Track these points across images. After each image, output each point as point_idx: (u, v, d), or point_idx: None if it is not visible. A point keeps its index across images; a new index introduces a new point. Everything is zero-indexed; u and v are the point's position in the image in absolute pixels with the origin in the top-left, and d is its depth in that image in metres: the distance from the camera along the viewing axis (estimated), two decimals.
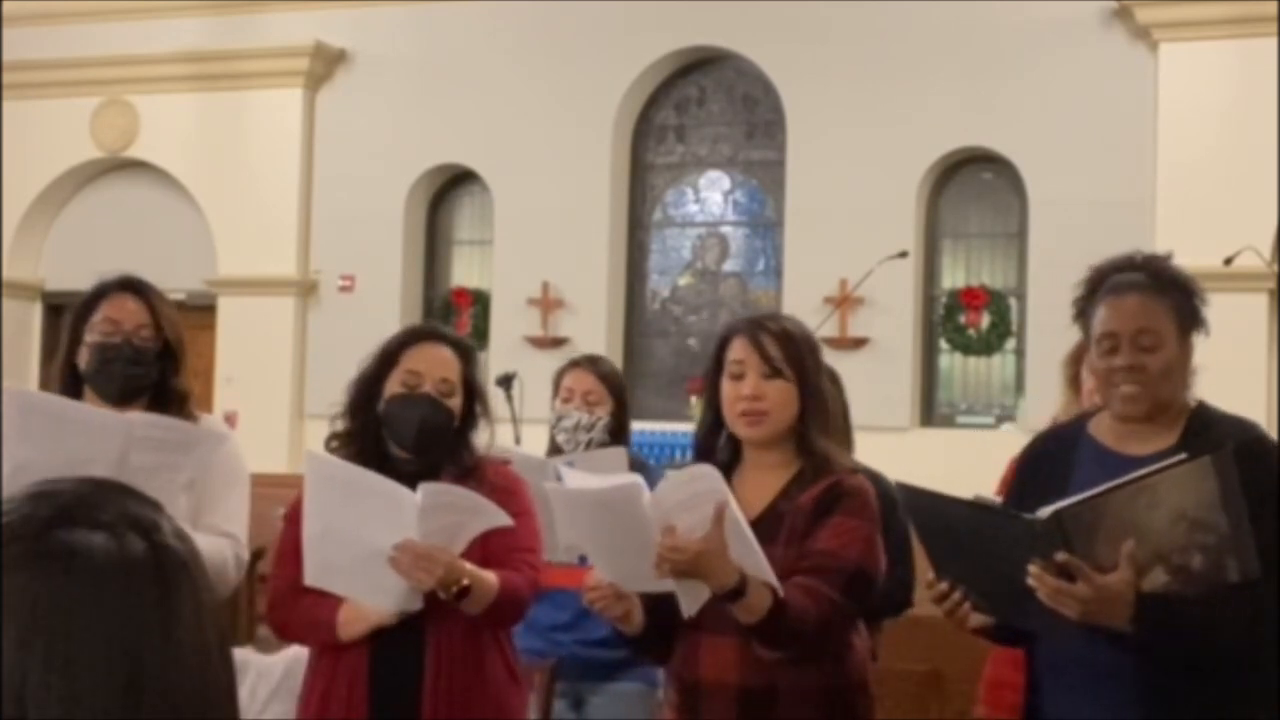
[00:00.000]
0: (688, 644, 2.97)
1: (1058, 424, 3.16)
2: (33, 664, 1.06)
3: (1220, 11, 10.27)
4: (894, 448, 7.81)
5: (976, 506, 2.71)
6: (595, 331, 11.67)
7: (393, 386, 3.23)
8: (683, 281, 12.31)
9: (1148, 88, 10.53)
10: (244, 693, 3.78)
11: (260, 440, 10.03)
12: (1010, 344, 11.27)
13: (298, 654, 3.30)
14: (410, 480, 3.08)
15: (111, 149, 13.10)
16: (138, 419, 3.17)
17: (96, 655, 1.07)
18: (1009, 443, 3.02)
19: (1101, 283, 2.82)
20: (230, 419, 10.68)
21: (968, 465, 5.74)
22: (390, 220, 12.40)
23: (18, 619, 1.07)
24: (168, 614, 1.11)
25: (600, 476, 3.03)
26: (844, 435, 3.89)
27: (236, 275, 12.59)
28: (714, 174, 12.23)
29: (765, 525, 2.89)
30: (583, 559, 2.98)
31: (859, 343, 10.97)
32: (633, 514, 2.79)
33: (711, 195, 12.25)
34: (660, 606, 2.90)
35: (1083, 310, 2.85)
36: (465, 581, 3.04)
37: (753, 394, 2.96)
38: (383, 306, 11.90)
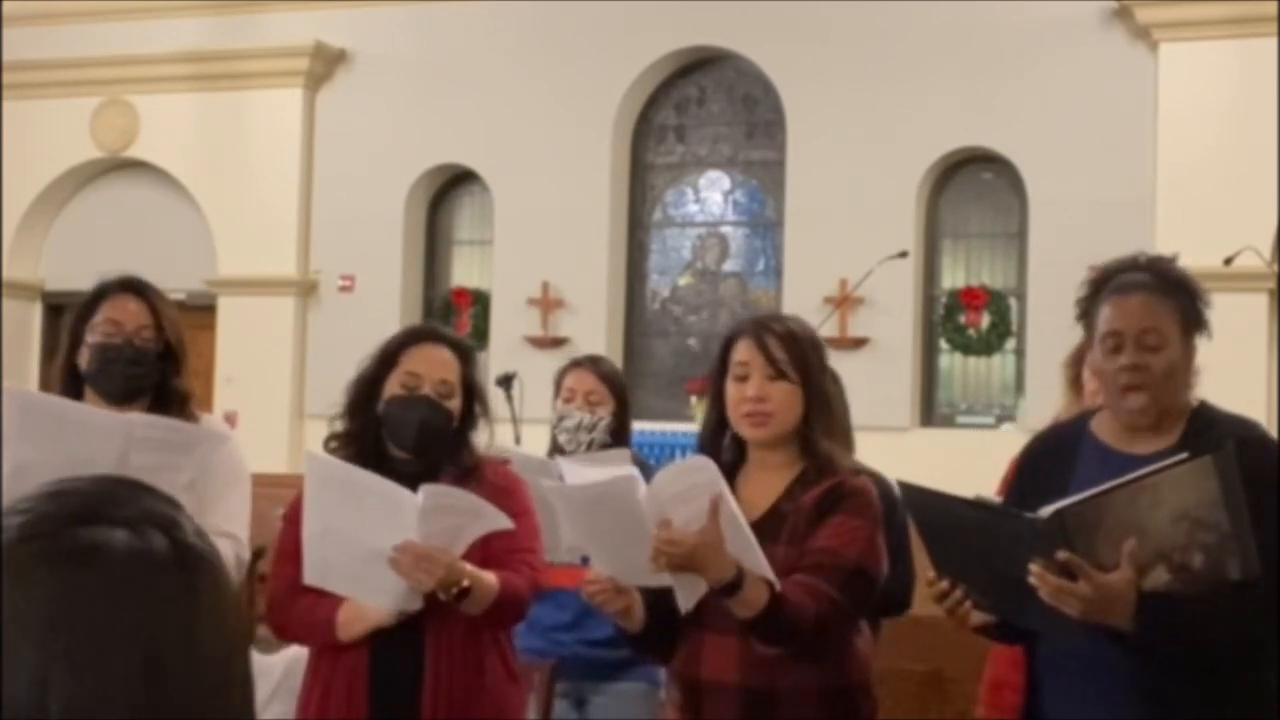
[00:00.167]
0: (690, 643, 2.97)
1: (1059, 422, 3.16)
2: (54, 662, 1.05)
3: (1220, 11, 10.27)
4: (894, 448, 7.81)
5: (978, 505, 2.71)
6: (595, 331, 11.67)
7: (392, 388, 3.23)
8: (683, 281, 12.31)
9: (1148, 88, 10.53)
10: None
11: (260, 440, 10.03)
12: (1010, 344, 11.27)
13: (297, 654, 3.30)
14: (409, 481, 3.09)
15: (111, 149, 13.10)
16: (137, 420, 3.17)
17: (119, 653, 1.06)
18: (1009, 443, 3.02)
19: (1105, 283, 2.82)
20: (230, 419, 10.68)
21: (968, 465, 5.74)
22: (390, 220, 12.40)
23: (39, 616, 1.06)
24: (190, 612, 1.10)
25: (596, 468, 3.04)
26: (844, 436, 3.89)
27: (236, 275, 12.59)
28: (714, 174, 12.23)
29: (767, 525, 2.90)
30: (585, 560, 2.98)
31: (859, 343, 10.97)
32: (629, 507, 2.79)
33: (711, 195, 12.25)
34: (661, 603, 2.90)
35: (1086, 310, 2.85)
36: (465, 582, 3.04)
37: (757, 395, 2.96)
38: (383, 306, 11.90)
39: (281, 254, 12.57)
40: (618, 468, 3.02)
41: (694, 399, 11.47)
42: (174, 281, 8.84)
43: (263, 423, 11.60)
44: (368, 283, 12.35)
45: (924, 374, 11.39)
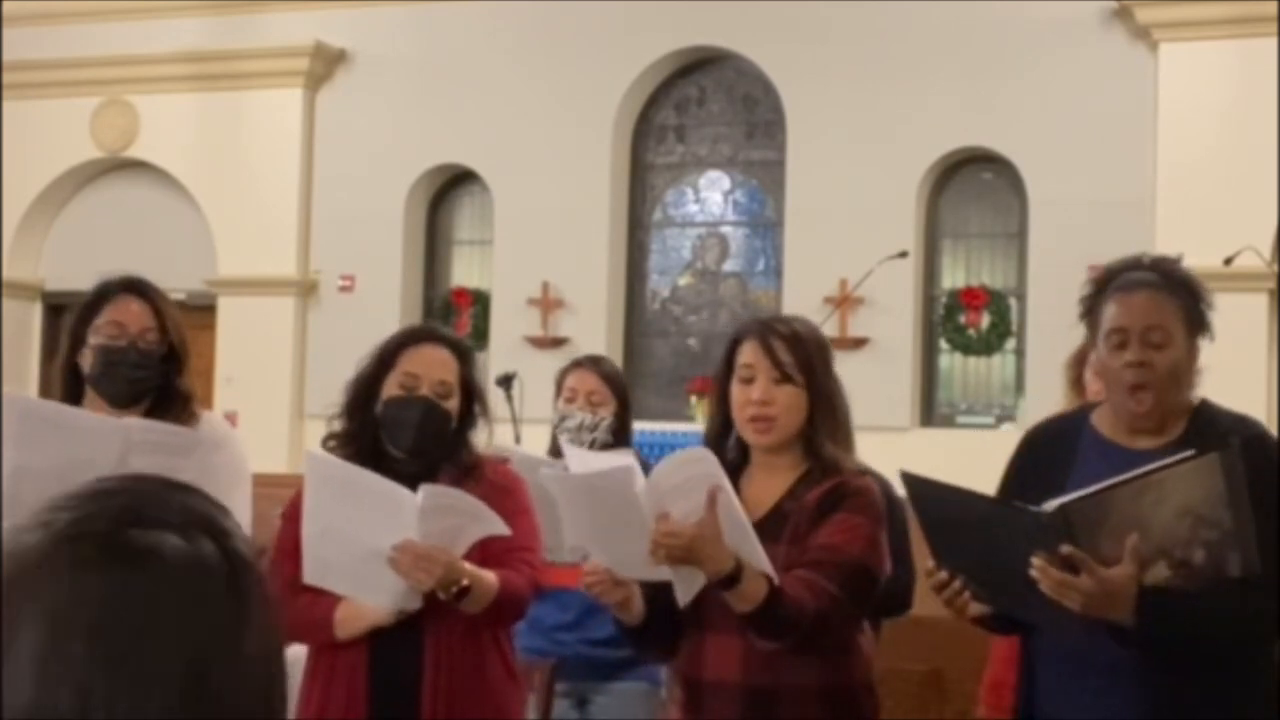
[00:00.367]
0: (692, 643, 2.97)
1: (1058, 414, 3.16)
2: (100, 665, 1.04)
3: (1220, 11, 10.27)
4: (894, 448, 7.80)
5: (982, 497, 2.71)
6: (595, 331, 11.67)
7: (390, 388, 3.23)
8: (683, 281, 12.31)
9: (1148, 88, 10.53)
10: None
11: (260, 440, 10.01)
12: (1010, 344, 11.26)
13: (297, 653, 3.29)
14: (408, 480, 3.09)
15: (111, 149, 13.10)
16: (135, 424, 3.16)
17: (165, 659, 1.05)
18: (1009, 443, 3.01)
19: (1109, 281, 2.82)
20: (230, 419, 10.67)
21: (968, 465, 5.73)
22: (390, 220, 12.39)
23: (86, 617, 1.05)
24: (237, 619, 1.10)
25: (595, 459, 3.03)
26: (848, 437, 3.89)
27: (236, 275, 12.59)
28: (714, 174, 12.23)
29: (770, 524, 2.90)
30: (586, 559, 2.98)
31: (859, 343, 10.97)
32: (627, 499, 2.79)
33: (711, 195, 12.25)
34: (661, 598, 2.90)
35: (1089, 308, 2.85)
36: (465, 581, 3.04)
37: (762, 399, 2.96)
38: (383, 306, 11.90)
39: (281, 254, 12.57)
40: (614, 458, 3.01)
41: (694, 399, 11.47)
42: (174, 281, 8.83)
43: (263, 423, 11.59)
44: (368, 283, 12.35)
45: (924, 374, 11.39)
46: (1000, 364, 11.36)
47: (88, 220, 13.34)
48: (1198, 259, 3.05)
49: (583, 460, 2.96)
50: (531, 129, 11.86)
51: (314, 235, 12.59)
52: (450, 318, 12.29)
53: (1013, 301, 11.28)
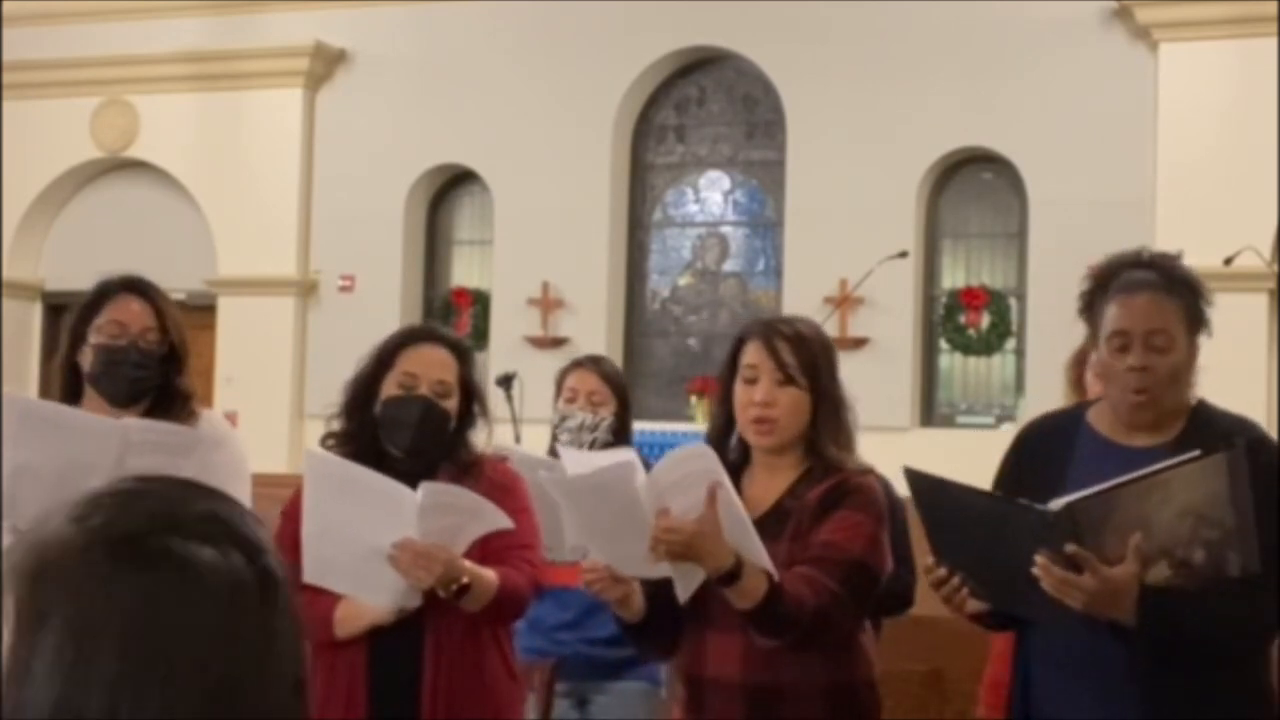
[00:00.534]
0: (694, 641, 2.97)
1: (1054, 411, 3.15)
2: (130, 668, 1.04)
3: (1220, 11, 10.27)
4: (894, 448, 7.79)
5: (986, 494, 2.70)
6: (595, 331, 11.67)
7: (389, 388, 3.23)
8: (683, 281, 12.31)
9: (1148, 88, 10.53)
10: None
11: (260, 440, 10.01)
12: (1010, 344, 11.26)
13: None
14: (407, 479, 3.09)
15: (111, 149, 13.10)
16: (133, 424, 3.16)
17: (196, 668, 1.05)
18: (1009, 443, 3.02)
19: (1110, 278, 2.81)
20: (230, 419, 10.66)
21: (968, 465, 5.72)
22: (390, 220, 12.39)
23: (122, 621, 1.04)
24: (266, 633, 1.10)
25: (592, 459, 3.03)
26: (849, 438, 3.88)
27: (236, 275, 12.59)
28: (714, 174, 12.22)
29: (771, 522, 2.89)
30: (586, 557, 2.98)
31: (859, 343, 10.97)
32: (626, 496, 2.79)
33: (711, 195, 12.24)
34: (661, 595, 2.90)
35: (1088, 304, 2.84)
36: (465, 579, 3.04)
37: (765, 400, 2.95)
38: (383, 306, 11.90)
39: (281, 254, 12.57)
40: (613, 455, 3.01)
41: (694, 399, 11.46)
42: (174, 281, 8.82)
43: (263, 423, 11.58)
44: (368, 283, 12.34)
45: (924, 374, 11.39)
46: (1000, 364, 11.36)
47: (88, 220, 13.34)
48: (1198, 259, 3.05)
49: (579, 462, 2.95)
50: (531, 129, 11.86)
51: (314, 235, 12.59)
52: (450, 318, 12.29)
53: (1013, 301, 11.28)
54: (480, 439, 3.31)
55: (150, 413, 3.30)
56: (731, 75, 12.08)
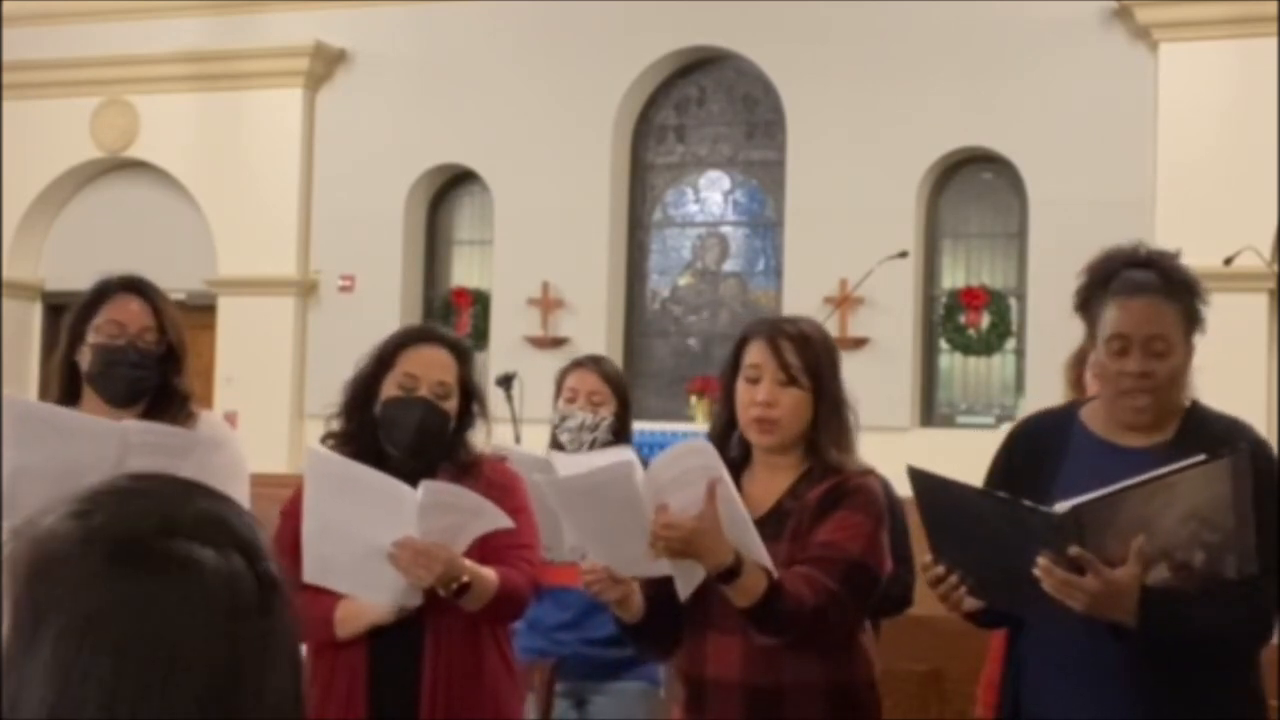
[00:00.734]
0: (693, 641, 2.97)
1: (1046, 410, 3.15)
2: (130, 669, 1.03)
3: (1220, 11, 10.27)
4: (894, 448, 7.79)
5: (991, 495, 2.70)
6: (595, 331, 11.67)
7: (389, 389, 3.22)
8: (683, 281, 12.31)
9: (1148, 88, 10.53)
10: None
11: (260, 440, 10.02)
12: (1010, 344, 11.26)
13: None
14: (407, 479, 3.09)
15: (111, 149, 13.10)
16: (132, 426, 3.16)
17: (195, 671, 1.05)
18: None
19: (1108, 275, 2.80)
20: (230, 419, 10.67)
21: (968, 465, 5.72)
22: (390, 220, 12.39)
23: (122, 622, 1.04)
24: (266, 638, 1.10)
25: (589, 458, 3.03)
26: (850, 438, 3.88)
27: (236, 275, 12.59)
28: (714, 174, 12.22)
29: (771, 522, 2.89)
30: (585, 558, 2.97)
31: (859, 343, 10.97)
32: (625, 494, 2.78)
33: (711, 195, 12.24)
34: (661, 596, 2.90)
35: (1086, 299, 2.83)
36: (465, 578, 3.04)
37: (767, 400, 2.95)
38: (383, 306, 11.90)
39: (281, 254, 12.57)
40: (612, 454, 3.01)
41: (694, 399, 11.47)
42: (174, 281, 8.83)
43: (263, 423, 11.59)
44: (368, 283, 12.35)
45: (924, 374, 11.39)
46: (1000, 364, 11.36)
47: (88, 220, 13.34)
48: (1198, 259, 3.05)
49: (572, 465, 2.95)
50: (531, 129, 11.86)
51: (314, 235, 12.59)
52: (450, 318, 12.29)
53: (1013, 301, 11.28)
54: (479, 439, 3.31)
55: (148, 413, 3.29)
56: (731, 75, 12.07)
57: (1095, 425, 2.87)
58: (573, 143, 11.84)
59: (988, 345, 11.28)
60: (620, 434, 4.17)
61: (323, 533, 3.08)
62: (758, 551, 2.78)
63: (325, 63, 12.50)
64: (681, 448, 2.83)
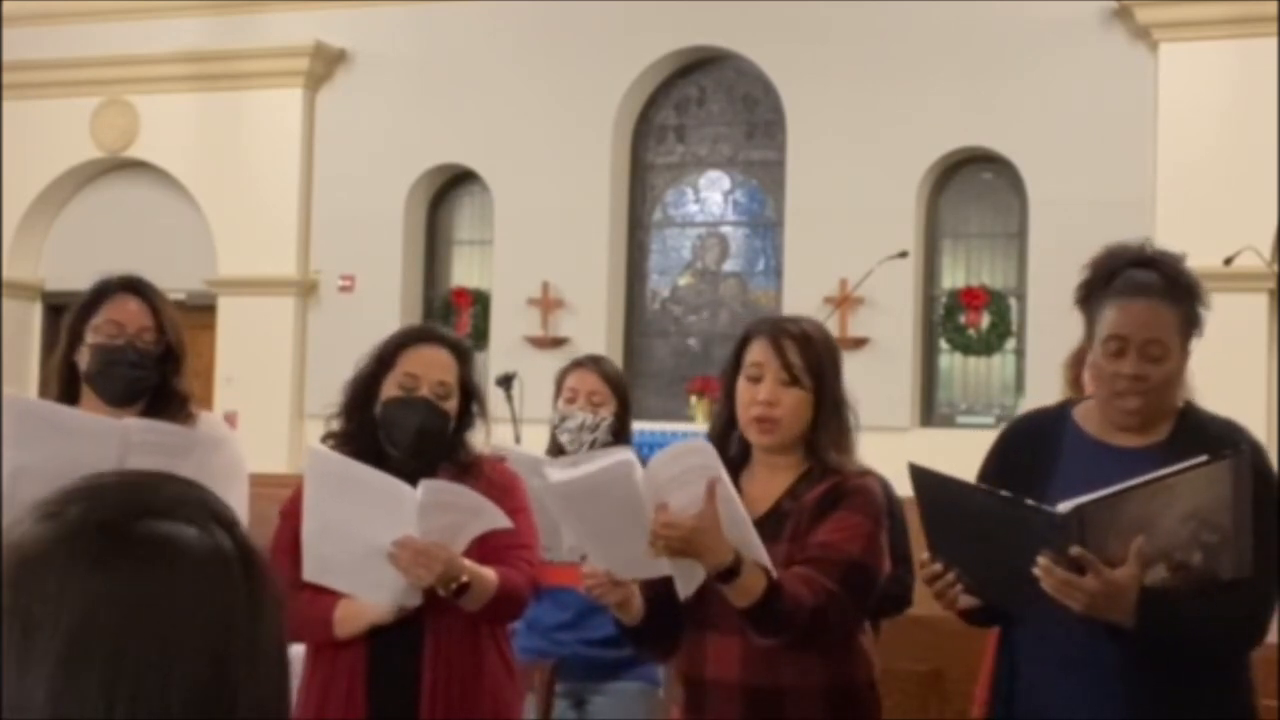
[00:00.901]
0: (692, 641, 2.97)
1: (1038, 409, 3.15)
2: (127, 660, 1.02)
3: (1220, 11, 10.27)
4: (894, 448, 7.79)
5: (994, 494, 2.70)
6: (595, 331, 11.67)
7: (390, 389, 3.22)
8: (683, 281, 12.31)
9: (1148, 88, 10.53)
10: None
11: (260, 440, 10.03)
12: (1010, 344, 11.27)
13: (297, 652, 3.30)
14: (407, 479, 3.08)
15: (111, 149, 13.10)
16: (134, 424, 3.16)
17: (191, 650, 1.04)
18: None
19: (1111, 272, 2.79)
20: (230, 419, 10.67)
21: (968, 465, 5.72)
22: (390, 220, 12.40)
23: (113, 614, 1.03)
24: (255, 610, 1.09)
25: (591, 458, 3.02)
26: (849, 439, 3.88)
27: (236, 275, 12.59)
28: (714, 174, 12.23)
29: (770, 523, 2.89)
30: (584, 559, 2.97)
31: (859, 343, 10.97)
32: (623, 496, 2.78)
33: (711, 195, 12.25)
34: (660, 597, 2.90)
35: (1086, 296, 2.82)
36: (464, 578, 3.04)
37: (768, 399, 2.95)
38: (383, 306, 11.90)
39: (281, 254, 12.57)
40: (611, 454, 3.00)
41: (694, 399, 11.46)
42: (174, 281, 8.84)
43: (263, 423, 11.59)
44: (368, 283, 12.35)
45: (924, 374, 11.39)
46: (1000, 364, 11.36)
47: (88, 220, 13.34)
48: (1198, 259, 3.04)
49: (564, 473, 2.93)
50: (531, 129, 11.86)
51: (314, 235, 12.59)
52: (450, 318, 12.29)
53: (1013, 301, 11.28)
54: (479, 440, 3.31)
55: (147, 414, 3.29)
56: (731, 75, 12.08)
57: (1088, 425, 2.87)
58: (573, 143, 11.84)
59: (988, 345, 11.28)
60: (620, 434, 4.17)
61: (323, 532, 3.08)
62: (757, 551, 2.78)
63: (325, 63, 12.50)
64: (680, 447, 2.82)
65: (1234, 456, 2.57)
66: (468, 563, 3.06)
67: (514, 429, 5.97)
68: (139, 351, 3.32)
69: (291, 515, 3.18)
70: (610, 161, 11.98)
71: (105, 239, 12.67)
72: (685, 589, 2.85)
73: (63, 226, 13.56)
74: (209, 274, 12.62)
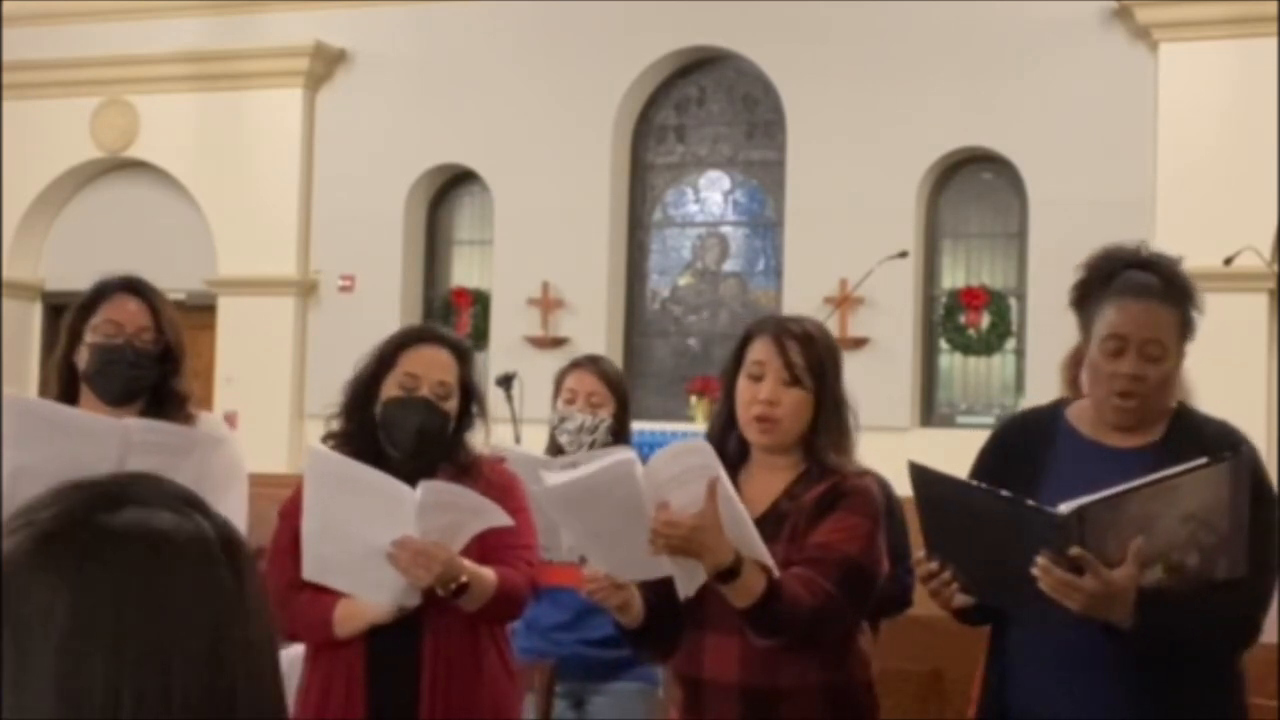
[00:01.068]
0: (691, 642, 2.97)
1: (1031, 409, 3.15)
2: (128, 657, 1.02)
3: (1220, 11, 10.27)
4: (894, 448, 7.78)
5: (993, 493, 2.70)
6: (595, 331, 11.67)
7: (390, 389, 3.22)
8: (683, 281, 12.31)
9: (1148, 88, 10.53)
10: None
11: (260, 440, 10.04)
12: (1010, 344, 11.27)
13: (296, 652, 3.30)
14: (407, 479, 3.09)
15: (111, 149, 13.10)
16: (134, 424, 3.16)
17: (186, 636, 1.04)
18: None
19: (1109, 273, 2.80)
20: (230, 419, 10.67)
21: (967, 465, 5.73)
22: (390, 220, 12.40)
23: (109, 611, 1.02)
24: (241, 592, 1.08)
25: (591, 458, 3.02)
26: (848, 439, 3.88)
27: (236, 275, 12.59)
28: (714, 174, 12.23)
29: (768, 523, 2.89)
30: (583, 559, 2.97)
31: (859, 343, 10.97)
32: (627, 493, 2.78)
33: (711, 195, 12.25)
34: (660, 598, 2.90)
35: (1083, 295, 2.83)
36: (463, 578, 3.04)
37: (769, 399, 2.95)
38: (383, 306, 11.90)
39: (281, 254, 12.57)
40: (611, 453, 3.00)
41: (694, 399, 11.46)
42: (174, 281, 8.85)
43: (263, 423, 11.60)
44: (368, 283, 12.35)
45: (924, 374, 11.39)
46: (1000, 364, 11.36)
47: (88, 220, 13.34)
48: (1198, 259, 3.05)
49: (564, 474, 2.92)
50: (531, 129, 11.86)
51: (314, 235, 12.59)
52: (450, 318, 12.29)
53: (1013, 301, 11.29)
54: (478, 440, 3.31)
55: (146, 413, 3.30)
56: (731, 75, 12.08)
57: (1082, 425, 2.88)
58: (573, 143, 11.84)
59: (988, 345, 11.28)
60: (619, 435, 4.17)
61: (322, 532, 3.09)
62: (759, 550, 2.78)
63: (325, 63, 12.50)
64: (679, 447, 2.82)
65: (1233, 458, 2.58)
66: (467, 563, 3.07)
67: (514, 429, 5.97)
68: (137, 351, 3.32)
69: (291, 515, 3.18)
70: (610, 161, 11.98)
71: (105, 239, 12.67)
72: (686, 589, 2.85)
73: (63, 226, 13.56)
74: (209, 274, 12.62)
